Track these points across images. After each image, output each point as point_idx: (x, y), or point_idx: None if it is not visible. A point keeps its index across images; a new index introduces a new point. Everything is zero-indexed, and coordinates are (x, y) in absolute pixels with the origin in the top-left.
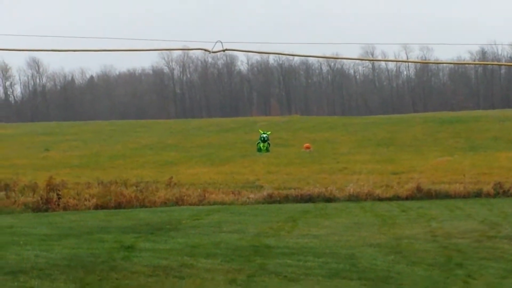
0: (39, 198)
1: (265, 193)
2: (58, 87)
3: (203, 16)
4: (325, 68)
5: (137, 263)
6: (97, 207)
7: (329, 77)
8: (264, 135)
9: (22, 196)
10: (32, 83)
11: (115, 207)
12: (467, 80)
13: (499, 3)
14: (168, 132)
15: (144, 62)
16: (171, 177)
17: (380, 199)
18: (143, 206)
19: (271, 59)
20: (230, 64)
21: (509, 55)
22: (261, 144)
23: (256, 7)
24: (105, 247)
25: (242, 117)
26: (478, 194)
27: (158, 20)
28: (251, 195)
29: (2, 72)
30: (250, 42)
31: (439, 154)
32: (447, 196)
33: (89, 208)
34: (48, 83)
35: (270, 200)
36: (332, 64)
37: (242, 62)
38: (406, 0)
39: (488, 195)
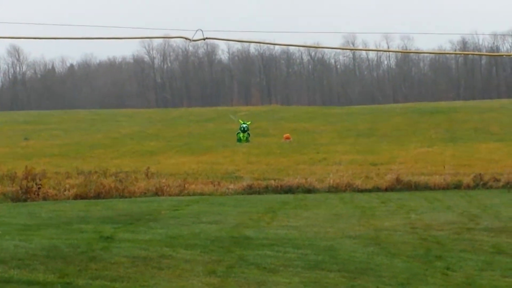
0: (18, 188)
1: (244, 183)
2: (39, 76)
3: (185, 3)
4: (305, 58)
5: (116, 253)
6: (76, 197)
7: (310, 66)
8: (244, 125)
9: (1, 185)
10: (12, 71)
11: (95, 197)
12: (448, 70)
13: None
14: (149, 121)
15: (125, 51)
16: (148, 167)
17: (360, 191)
18: (122, 196)
19: (252, 48)
20: (210, 53)
21: (490, 45)
22: (241, 134)
23: None
24: (84, 237)
25: (223, 106)
26: (457, 186)
27: (139, 8)
28: (231, 186)
29: None
30: (231, 31)
31: (419, 144)
32: (426, 187)
33: (68, 198)
34: (28, 71)
35: (250, 190)
36: (313, 53)
37: (223, 51)
38: None
39: (467, 187)
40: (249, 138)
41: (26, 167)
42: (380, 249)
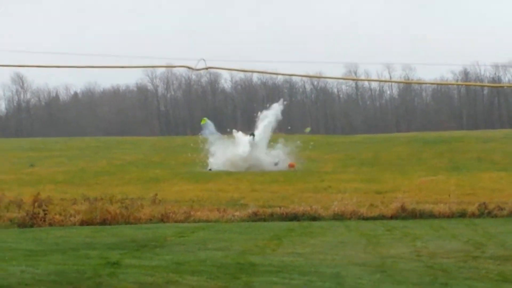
0: (25, 214)
1: (250, 211)
2: (43, 103)
3: (187, 33)
4: (308, 87)
5: (123, 279)
6: (82, 223)
7: (313, 95)
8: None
9: (7, 211)
10: (17, 99)
11: (101, 223)
12: (450, 100)
13: (482, 25)
14: (153, 149)
15: (128, 79)
16: (156, 194)
17: (365, 218)
18: (128, 222)
19: (255, 77)
20: (213, 81)
21: (491, 76)
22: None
23: (240, 26)
24: (91, 263)
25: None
26: (462, 214)
27: (142, 37)
28: (236, 213)
29: None
30: (233, 60)
31: (423, 173)
32: (431, 215)
33: (74, 224)
34: (32, 99)
35: (255, 218)
36: (316, 83)
37: (226, 80)
38: (389, 20)
39: (472, 215)
40: None
41: (38, 193)
42: (386, 276)
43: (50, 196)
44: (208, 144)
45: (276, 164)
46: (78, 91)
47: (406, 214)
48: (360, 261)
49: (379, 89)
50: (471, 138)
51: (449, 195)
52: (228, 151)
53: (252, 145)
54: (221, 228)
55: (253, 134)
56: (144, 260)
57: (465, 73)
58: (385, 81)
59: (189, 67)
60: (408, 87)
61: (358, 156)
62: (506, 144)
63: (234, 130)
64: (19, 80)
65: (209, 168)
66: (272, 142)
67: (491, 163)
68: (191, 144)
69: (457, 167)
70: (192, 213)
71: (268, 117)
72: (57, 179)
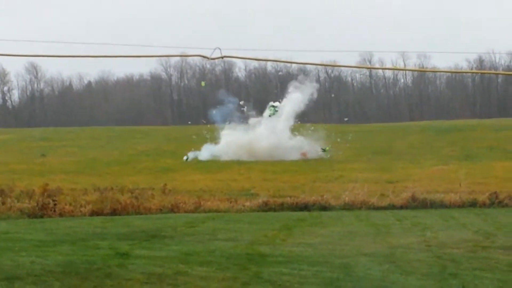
0: (35, 204)
1: (260, 200)
2: (56, 92)
3: (202, 21)
4: (322, 75)
5: (132, 270)
6: (92, 213)
7: (327, 84)
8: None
9: (18, 202)
10: (30, 88)
11: (111, 214)
12: (464, 88)
13: (497, 11)
14: (165, 138)
15: (142, 68)
16: (165, 184)
17: (375, 208)
18: (138, 213)
19: (269, 65)
20: (228, 70)
21: (506, 64)
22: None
23: (255, 14)
24: (100, 254)
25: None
26: (473, 204)
27: (156, 25)
28: (247, 203)
29: (0, 77)
30: (248, 49)
31: (434, 162)
32: (442, 205)
33: (84, 215)
34: (46, 88)
35: (266, 208)
36: (330, 71)
37: (240, 69)
38: (404, 8)
39: (483, 205)
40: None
41: (47, 184)
42: (395, 267)
43: (61, 186)
44: (219, 132)
45: (324, 150)
46: (92, 80)
47: (416, 204)
48: (369, 251)
49: (393, 77)
50: (484, 127)
51: (460, 185)
52: (243, 138)
53: (272, 119)
54: (231, 218)
55: (273, 107)
56: (154, 251)
57: (480, 61)
58: (399, 69)
59: (204, 56)
60: (422, 75)
61: (370, 145)
62: None
63: (250, 119)
64: (33, 70)
65: (185, 158)
66: (304, 130)
67: (504, 152)
68: (205, 132)
69: (469, 156)
70: (202, 203)
71: (293, 99)
72: (68, 169)
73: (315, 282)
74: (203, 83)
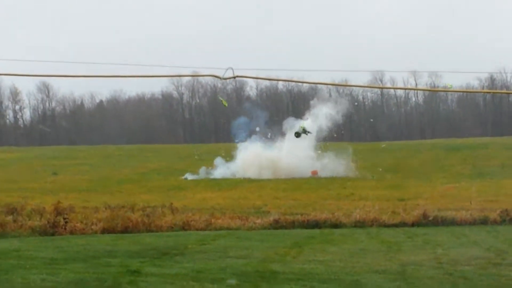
0: (46, 222)
1: (271, 218)
2: (68, 111)
3: (214, 41)
4: (334, 94)
5: (143, 287)
6: (103, 231)
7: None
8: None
9: (29, 220)
10: (42, 107)
11: (122, 231)
12: (475, 107)
13: (509, 31)
14: (177, 156)
15: (153, 87)
16: (171, 203)
17: (386, 226)
18: (149, 230)
19: (280, 84)
20: (239, 89)
21: None
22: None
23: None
24: (111, 271)
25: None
26: (484, 221)
27: (168, 45)
28: (258, 221)
29: (12, 96)
30: (260, 69)
31: (446, 181)
32: (453, 223)
33: (95, 232)
34: (57, 107)
35: (277, 225)
36: (341, 90)
37: (251, 88)
38: (415, 27)
39: (494, 222)
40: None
41: (58, 202)
42: (407, 284)
43: (72, 204)
44: (236, 150)
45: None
46: (104, 99)
47: (427, 221)
48: (381, 268)
49: (405, 96)
50: (496, 145)
51: (471, 202)
52: (265, 155)
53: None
54: (242, 235)
55: (304, 131)
56: (165, 268)
57: (491, 80)
58: (411, 89)
59: (217, 76)
60: (433, 93)
61: (382, 163)
62: None
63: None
64: (45, 89)
65: (184, 177)
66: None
67: None
68: (222, 152)
69: (481, 174)
70: (213, 220)
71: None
72: (80, 187)
73: None
74: (225, 103)
